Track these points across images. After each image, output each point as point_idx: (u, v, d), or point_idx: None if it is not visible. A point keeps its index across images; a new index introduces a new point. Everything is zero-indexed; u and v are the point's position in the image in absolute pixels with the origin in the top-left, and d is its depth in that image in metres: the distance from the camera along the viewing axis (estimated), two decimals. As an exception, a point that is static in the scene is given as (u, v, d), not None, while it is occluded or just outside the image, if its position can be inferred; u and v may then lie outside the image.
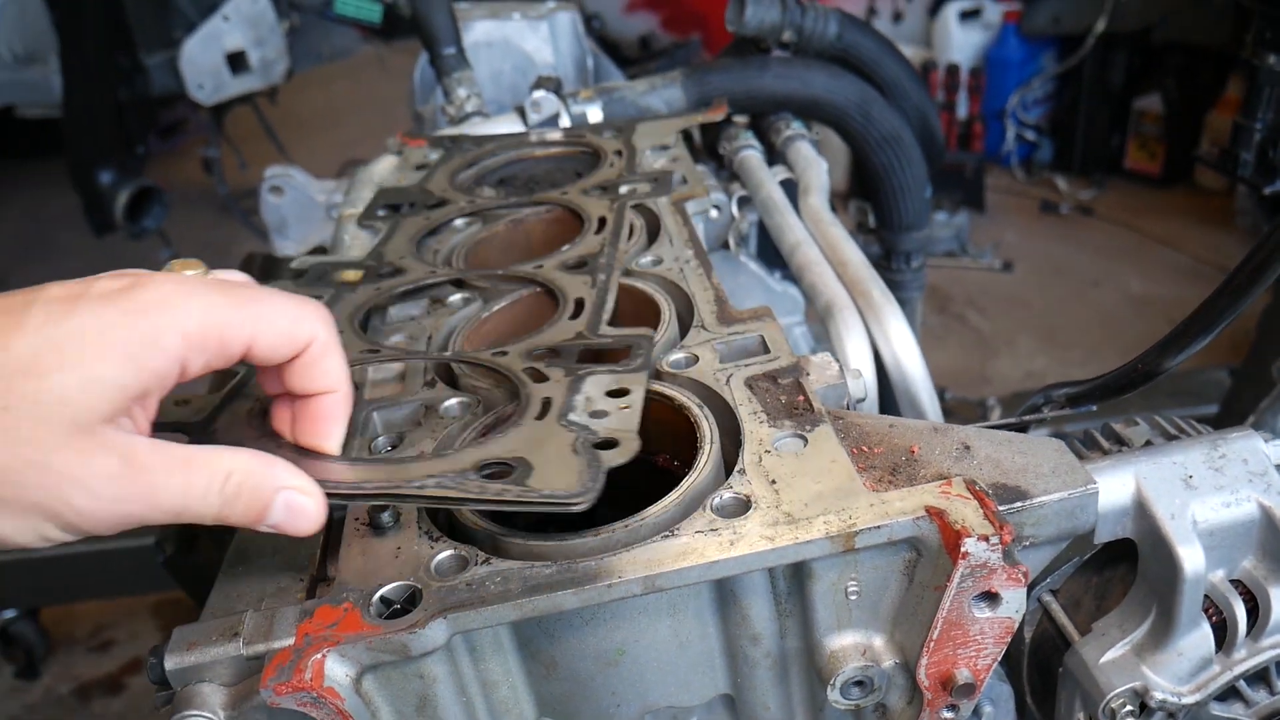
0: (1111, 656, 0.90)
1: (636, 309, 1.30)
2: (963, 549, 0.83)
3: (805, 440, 0.98)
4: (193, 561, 1.53)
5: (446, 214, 1.63)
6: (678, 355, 1.14)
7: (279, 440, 0.90)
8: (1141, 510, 0.88)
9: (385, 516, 0.97)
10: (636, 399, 0.99)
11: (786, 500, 0.90)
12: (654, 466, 1.12)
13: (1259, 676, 0.91)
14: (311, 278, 1.45)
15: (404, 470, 0.88)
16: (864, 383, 1.10)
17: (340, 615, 0.87)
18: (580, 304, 1.24)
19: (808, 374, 1.09)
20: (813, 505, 0.89)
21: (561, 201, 1.57)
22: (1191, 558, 0.85)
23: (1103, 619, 0.93)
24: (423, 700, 0.90)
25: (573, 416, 0.96)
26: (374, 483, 0.86)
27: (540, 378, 1.05)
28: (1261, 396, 2.35)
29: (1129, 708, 0.88)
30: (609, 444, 0.91)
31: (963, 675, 0.90)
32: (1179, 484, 0.88)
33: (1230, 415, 2.58)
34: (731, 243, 1.86)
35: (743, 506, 0.91)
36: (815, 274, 1.49)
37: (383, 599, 0.89)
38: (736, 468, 0.96)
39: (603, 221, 1.48)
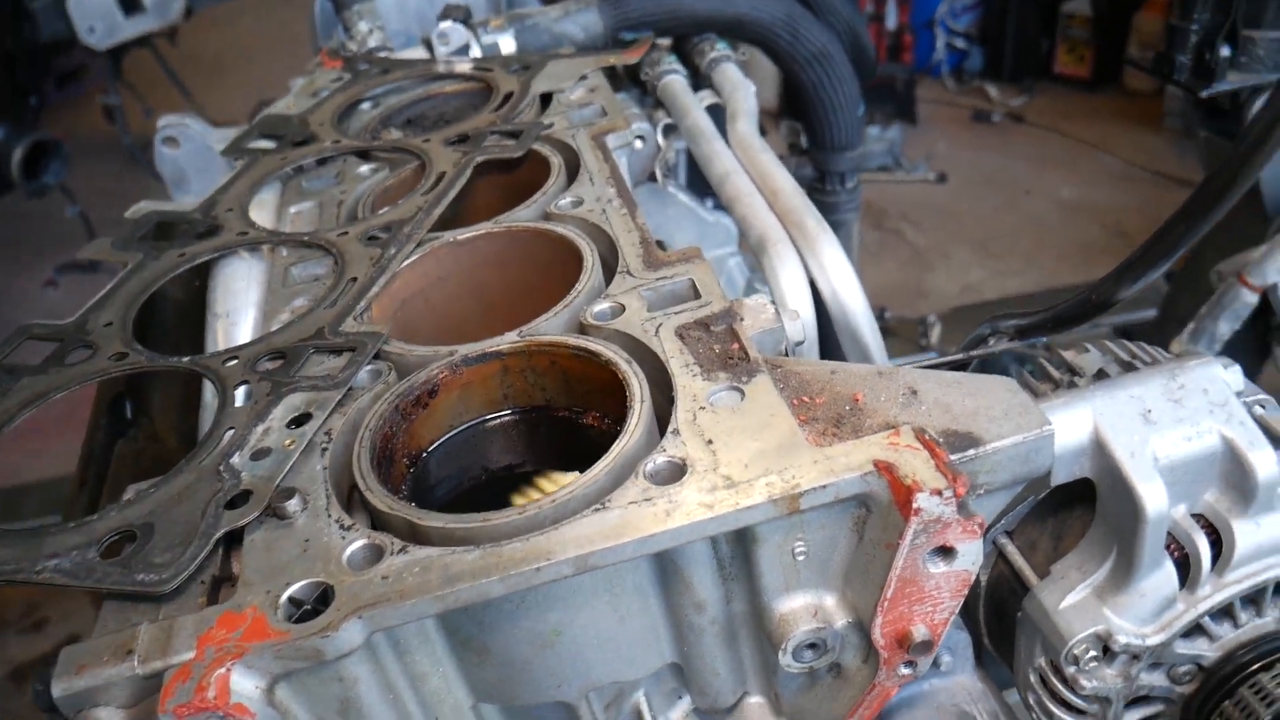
0: (1072, 601, 0.86)
1: (556, 255, 1.21)
2: (915, 505, 0.78)
3: (742, 393, 0.91)
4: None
5: (304, 154, 1.52)
6: (602, 306, 1.06)
7: None
8: (1100, 449, 0.83)
9: (292, 504, 0.88)
10: (309, 430, 0.97)
11: (725, 461, 0.84)
12: (582, 426, 1.05)
13: (1223, 612, 0.88)
14: (141, 227, 1.37)
15: (37, 546, 0.89)
16: (802, 324, 1.04)
17: (245, 621, 0.79)
18: (349, 286, 1.18)
19: (742, 319, 1.01)
20: (753, 465, 0.83)
21: (417, 150, 1.46)
22: (1154, 496, 0.80)
23: (1061, 561, 0.89)
24: (344, 703, 0.82)
25: (236, 459, 0.95)
26: (7, 565, 0.87)
27: (247, 394, 1.04)
28: (1199, 301, 2.35)
29: (1092, 652, 0.85)
30: (244, 497, 0.90)
31: (920, 632, 0.85)
32: (1138, 419, 0.83)
33: (1169, 320, 2.58)
34: (659, 174, 1.77)
35: (678, 471, 0.84)
36: (746, 205, 1.41)
37: (291, 599, 0.81)
38: (670, 428, 0.89)
39: (440, 177, 1.38)
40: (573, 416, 1.06)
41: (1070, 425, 0.84)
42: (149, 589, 0.83)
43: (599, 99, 1.57)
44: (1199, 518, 0.85)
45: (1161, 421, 0.82)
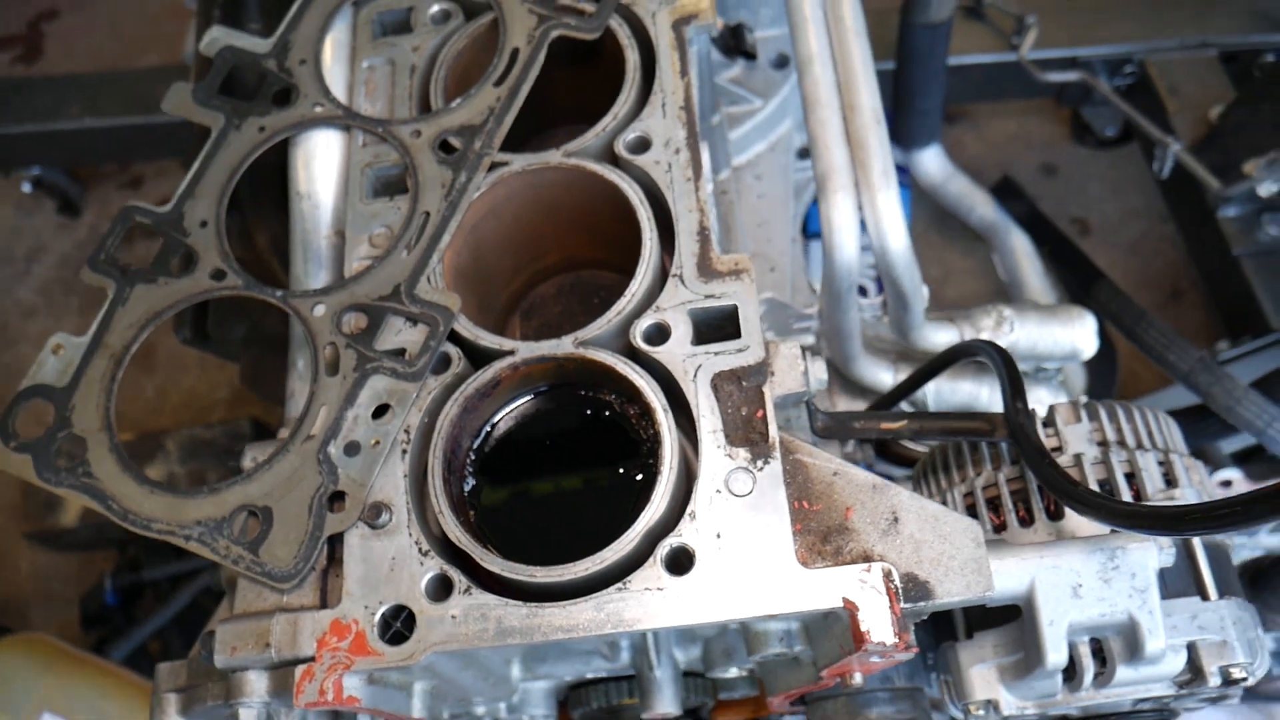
0: (980, 670, 1.10)
1: (620, 209, 1.26)
2: (865, 646, 0.99)
3: (754, 480, 1.07)
4: (218, 338, 1.66)
5: None
6: (650, 323, 1.16)
7: None
8: (1029, 603, 1.02)
9: (381, 519, 1.10)
10: (391, 429, 1.12)
11: (726, 560, 1.03)
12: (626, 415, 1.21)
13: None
14: (218, 71, 1.40)
15: (183, 509, 1.11)
16: (825, 378, 1.15)
17: (350, 633, 1.06)
18: (424, 224, 1.22)
19: (773, 374, 1.12)
20: (747, 574, 1.03)
21: None
22: (1056, 657, 1.00)
23: (983, 632, 1.12)
24: (427, 669, 1.12)
25: (331, 448, 1.12)
26: (159, 522, 1.11)
27: (333, 361, 1.17)
28: None
29: (981, 711, 1.11)
30: (340, 497, 1.10)
31: (858, 678, 1.11)
32: (1068, 592, 1.00)
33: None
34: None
35: (688, 562, 1.04)
36: (820, 122, 1.38)
37: (384, 618, 1.07)
38: (689, 508, 1.06)
39: (514, 57, 1.33)
40: (618, 403, 1.21)
41: (1012, 578, 1.02)
42: (275, 583, 1.09)
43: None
44: (1096, 643, 1.06)
45: (1087, 599, 1.00)
